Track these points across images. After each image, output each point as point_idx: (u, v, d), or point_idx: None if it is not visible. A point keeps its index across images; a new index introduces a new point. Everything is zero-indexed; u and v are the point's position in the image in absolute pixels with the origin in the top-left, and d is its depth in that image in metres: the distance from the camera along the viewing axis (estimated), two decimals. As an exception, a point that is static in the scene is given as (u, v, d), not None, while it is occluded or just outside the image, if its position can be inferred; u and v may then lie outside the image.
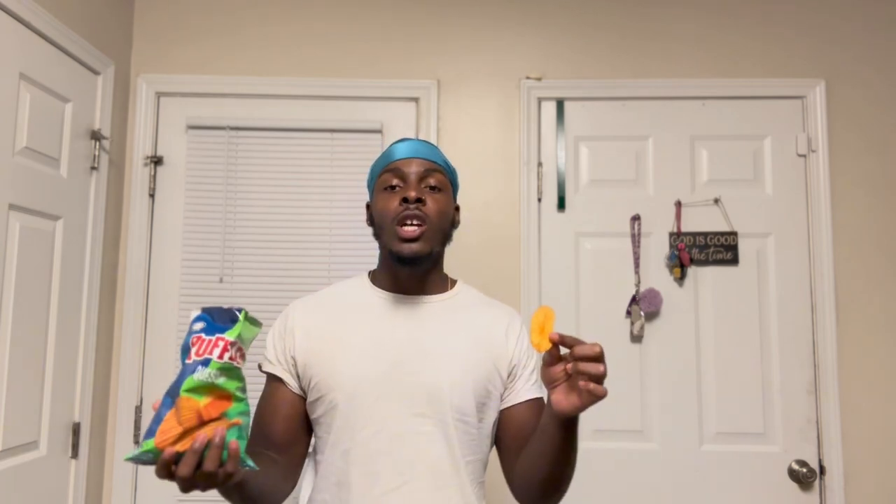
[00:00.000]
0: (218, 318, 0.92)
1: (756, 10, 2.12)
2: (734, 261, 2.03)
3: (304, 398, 1.19)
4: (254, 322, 0.96)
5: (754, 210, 2.05)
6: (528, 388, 1.20)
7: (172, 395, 0.87)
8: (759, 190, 2.06)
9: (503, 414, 1.20)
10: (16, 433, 1.60)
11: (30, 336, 1.66)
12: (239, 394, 0.91)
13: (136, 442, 2.00)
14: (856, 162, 2.04)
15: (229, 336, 0.91)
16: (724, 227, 2.04)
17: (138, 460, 0.86)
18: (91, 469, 1.89)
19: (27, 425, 1.65)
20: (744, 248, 2.04)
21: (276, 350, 1.20)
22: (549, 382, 1.00)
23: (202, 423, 0.86)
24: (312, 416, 1.19)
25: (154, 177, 2.08)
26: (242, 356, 0.93)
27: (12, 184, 1.58)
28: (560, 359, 0.98)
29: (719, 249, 2.03)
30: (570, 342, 0.95)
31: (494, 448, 1.24)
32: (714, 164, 2.07)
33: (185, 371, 0.88)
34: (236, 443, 0.87)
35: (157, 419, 0.87)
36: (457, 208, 1.26)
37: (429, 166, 1.18)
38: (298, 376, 1.18)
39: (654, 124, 2.10)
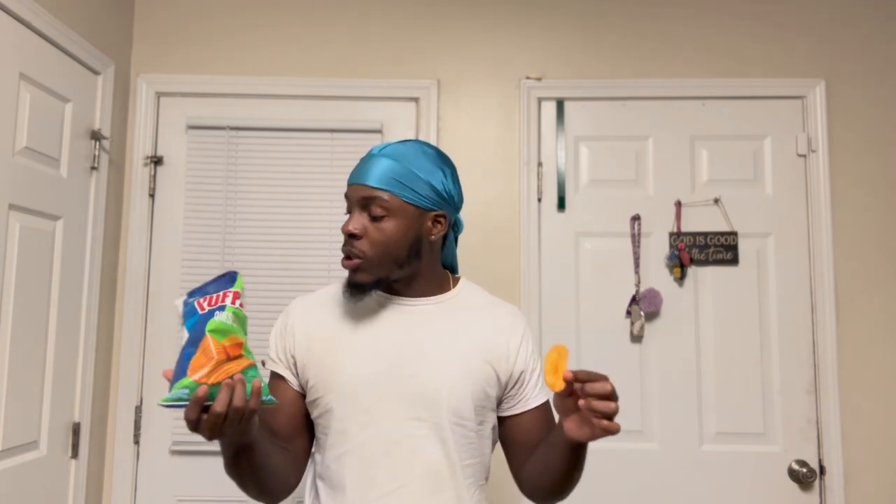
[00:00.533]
0: (214, 284, 0.99)
1: (756, 10, 2.12)
2: (734, 261, 2.03)
3: (304, 395, 1.19)
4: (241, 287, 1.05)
5: (754, 210, 2.05)
6: (536, 394, 1.20)
7: (194, 342, 0.93)
8: (759, 190, 2.06)
9: (512, 420, 1.20)
10: (16, 433, 1.60)
11: (30, 336, 1.66)
12: (248, 346, 0.97)
13: (137, 442, 2.00)
14: (856, 162, 2.04)
15: (236, 288, 1.00)
16: (724, 227, 2.04)
17: (173, 401, 0.90)
18: (91, 469, 1.89)
19: (27, 425, 1.65)
20: (744, 248, 2.03)
21: (277, 348, 1.21)
22: (563, 412, 1.01)
23: (229, 359, 0.93)
24: (311, 416, 1.19)
25: (154, 177, 2.08)
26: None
27: (12, 184, 1.58)
28: (574, 391, 0.99)
29: (719, 249, 2.03)
30: (583, 378, 0.96)
31: (496, 447, 1.25)
32: (714, 164, 2.07)
33: (203, 319, 0.94)
34: (259, 380, 0.94)
35: (184, 362, 0.91)
36: (437, 219, 1.17)
37: (368, 194, 1.12)
38: (298, 375, 1.19)
39: (654, 124, 2.10)
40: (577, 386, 0.96)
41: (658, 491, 1.97)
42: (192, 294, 0.99)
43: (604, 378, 0.95)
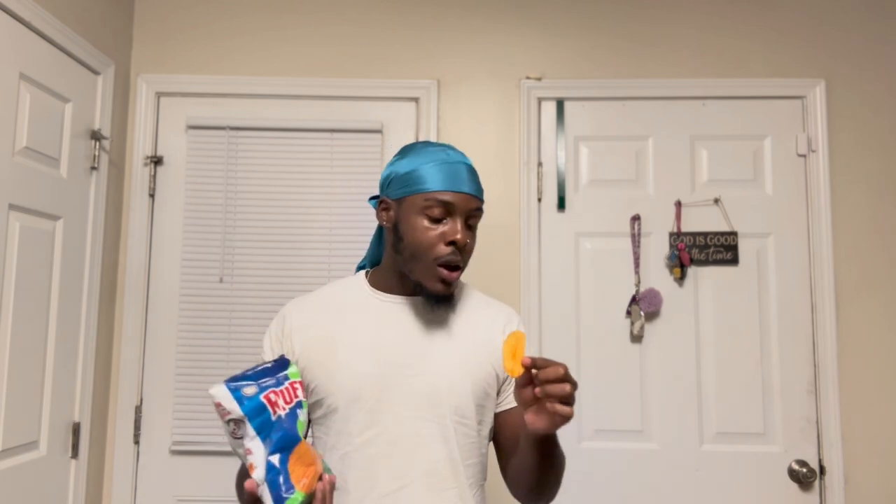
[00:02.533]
0: (262, 371, 0.95)
1: (756, 11, 2.12)
2: (734, 261, 2.03)
3: None
4: None
5: (754, 210, 2.05)
6: None
7: (284, 447, 0.89)
8: (759, 190, 2.06)
9: (502, 416, 1.20)
10: (16, 433, 1.60)
11: (30, 336, 1.66)
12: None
13: (137, 442, 2.00)
14: (856, 162, 2.04)
15: (295, 377, 0.96)
16: (724, 227, 2.04)
17: None
18: (91, 469, 1.89)
19: (27, 425, 1.65)
20: (744, 248, 2.03)
21: (273, 352, 1.20)
22: (523, 404, 1.00)
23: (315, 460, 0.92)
24: (312, 416, 1.19)
25: (154, 177, 2.08)
26: None
27: (12, 184, 1.58)
28: (532, 381, 0.98)
29: (719, 249, 2.03)
30: (540, 364, 0.95)
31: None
32: (714, 164, 2.07)
33: (288, 420, 0.91)
34: (334, 476, 0.95)
35: (282, 473, 0.88)
36: None
37: (477, 205, 1.15)
38: None
39: (654, 124, 2.09)
40: (533, 373, 0.96)
41: (658, 491, 1.96)
42: (234, 381, 0.94)
43: (559, 363, 0.95)
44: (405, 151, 1.20)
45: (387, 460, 1.11)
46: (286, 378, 0.95)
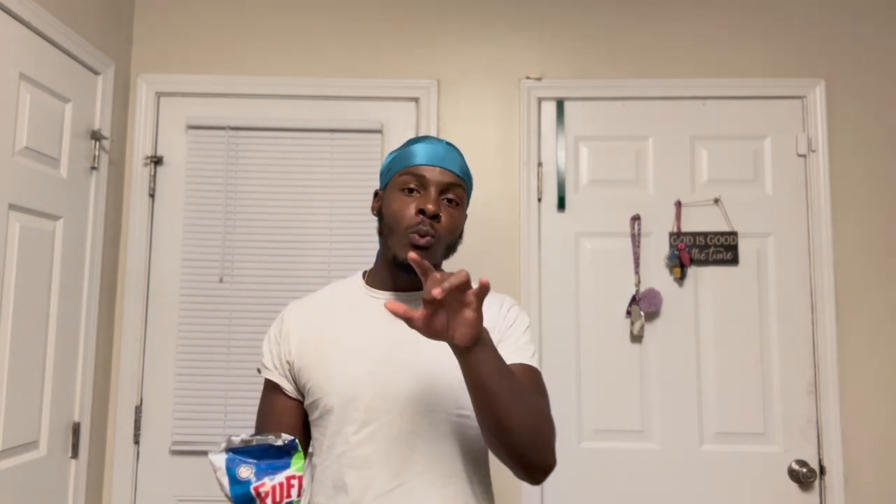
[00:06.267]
0: (264, 450, 0.93)
1: (756, 11, 2.12)
2: (734, 261, 2.03)
3: (302, 401, 1.19)
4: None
5: (754, 210, 2.05)
6: (510, 354, 1.12)
7: None
8: (759, 190, 2.06)
9: None
10: (16, 433, 1.60)
11: (30, 336, 1.66)
12: None
13: (137, 442, 2.00)
14: (856, 162, 2.04)
15: (297, 471, 0.93)
16: (724, 227, 2.04)
17: None
18: (91, 469, 1.89)
19: (27, 425, 1.65)
20: (744, 248, 2.04)
21: (272, 355, 1.20)
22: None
23: None
24: (310, 418, 1.18)
25: (154, 177, 2.08)
26: None
27: (12, 184, 1.58)
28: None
29: (719, 249, 2.03)
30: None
31: None
32: (714, 164, 2.07)
33: None
34: None
35: None
36: (465, 217, 1.22)
37: (452, 180, 1.15)
38: (294, 379, 1.18)
39: (654, 124, 2.10)
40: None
41: (658, 491, 1.97)
42: (235, 452, 0.92)
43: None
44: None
45: (385, 458, 1.10)
46: (287, 467, 0.93)
